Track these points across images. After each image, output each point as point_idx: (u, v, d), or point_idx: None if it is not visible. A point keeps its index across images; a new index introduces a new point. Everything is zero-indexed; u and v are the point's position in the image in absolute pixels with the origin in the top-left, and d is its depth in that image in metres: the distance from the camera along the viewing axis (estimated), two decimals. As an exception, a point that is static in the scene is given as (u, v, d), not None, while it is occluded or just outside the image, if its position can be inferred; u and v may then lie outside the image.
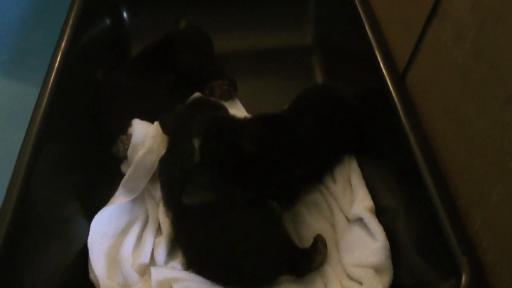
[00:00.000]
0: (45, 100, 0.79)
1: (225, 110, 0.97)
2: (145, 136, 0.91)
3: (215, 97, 1.08)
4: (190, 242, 0.80)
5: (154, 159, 0.89)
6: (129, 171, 0.88)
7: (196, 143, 0.80)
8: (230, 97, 1.10)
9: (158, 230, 0.88)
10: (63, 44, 0.89)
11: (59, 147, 0.83)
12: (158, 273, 0.78)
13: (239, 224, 0.77)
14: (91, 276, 0.81)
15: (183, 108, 0.95)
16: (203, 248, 0.78)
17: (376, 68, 0.83)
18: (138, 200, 0.91)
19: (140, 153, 0.88)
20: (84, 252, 0.82)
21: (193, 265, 0.80)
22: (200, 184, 0.79)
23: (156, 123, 0.93)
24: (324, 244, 0.82)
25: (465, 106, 0.63)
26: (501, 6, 0.55)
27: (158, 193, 0.91)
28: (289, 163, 0.85)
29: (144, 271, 0.83)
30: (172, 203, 0.83)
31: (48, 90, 0.81)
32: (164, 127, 0.92)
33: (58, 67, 0.85)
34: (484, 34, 0.59)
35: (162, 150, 0.90)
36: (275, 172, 0.84)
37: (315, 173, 0.92)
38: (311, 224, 0.87)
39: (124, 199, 0.88)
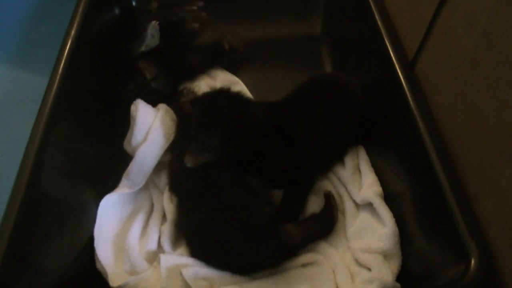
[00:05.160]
0: (54, 89, 0.80)
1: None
2: (148, 126, 0.92)
3: None
4: (192, 227, 0.81)
5: (156, 152, 0.89)
6: (131, 164, 0.88)
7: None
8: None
9: (164, 218, 0.88)
10: (72, 33, 0.89)
11: (68, 135, 0.83)
12: (167, 260, 0.78)
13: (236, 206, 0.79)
14: (97, 265, 0.81)
15: (203, 96, 0.96)
16: (205, 233, 0.79)
17: (385, 57, 0.83)
18: (143, 188, 0.91)
19: (142, 146, 0.89)
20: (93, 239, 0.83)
21: (196, 253, 0.80)
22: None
23: (161, 112, 0.94)
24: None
25: (475, 92, 0.63)
26: (512, -9, 0.55)
27: (162, 182, 0.91)
28: (290, 151, 0.86)
29: (152, 258, 0.83)
30: (179, 188, 0.85)
31: (57, 79, 0.81)
32: (181, 111, 0.94)
33: (67, 57, 0.85)
34: (494, 20, 0.59)
35: (165, 142, 0.90)
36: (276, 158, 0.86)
37: (320, 163, 0.91)
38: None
39: (127, 190, 0.88)
